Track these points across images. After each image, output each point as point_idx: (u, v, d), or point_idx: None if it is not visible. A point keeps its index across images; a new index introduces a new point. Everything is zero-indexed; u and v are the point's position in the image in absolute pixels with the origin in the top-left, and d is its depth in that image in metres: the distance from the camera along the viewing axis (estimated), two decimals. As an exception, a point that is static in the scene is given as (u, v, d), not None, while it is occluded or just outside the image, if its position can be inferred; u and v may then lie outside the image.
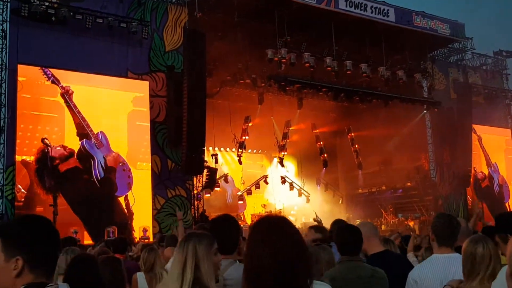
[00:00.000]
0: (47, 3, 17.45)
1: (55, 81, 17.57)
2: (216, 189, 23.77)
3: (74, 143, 17.84)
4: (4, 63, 17.05)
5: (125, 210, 18.27)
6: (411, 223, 24.64)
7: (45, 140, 16.89)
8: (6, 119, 16.74)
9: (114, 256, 5.72)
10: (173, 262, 3.04)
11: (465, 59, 29.52)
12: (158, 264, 5.90)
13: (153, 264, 5.90)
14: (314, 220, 24.04)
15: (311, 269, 2.21)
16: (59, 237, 2.33)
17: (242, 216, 25.82)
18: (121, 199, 18.40)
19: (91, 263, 3.85)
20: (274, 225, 2.27)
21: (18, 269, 2.13)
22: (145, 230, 18.19)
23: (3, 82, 16.98)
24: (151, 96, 19.46)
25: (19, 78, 16.91)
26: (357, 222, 15.45)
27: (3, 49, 17.12)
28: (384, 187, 28.78)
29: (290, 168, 29.64)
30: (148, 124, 19.28)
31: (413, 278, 3.89)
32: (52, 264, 2.23)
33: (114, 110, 18.88)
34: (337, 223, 5.64)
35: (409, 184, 27.97)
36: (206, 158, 21.00)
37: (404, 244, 7.68)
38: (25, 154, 17.00)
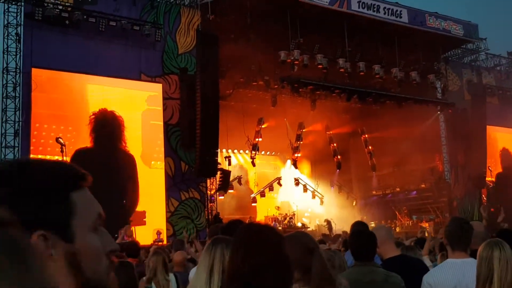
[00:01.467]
0: (60, 7, 17.58)
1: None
2: (229, 191, 23.77)
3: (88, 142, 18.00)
4: (18, 67, 17.20)
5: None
6: (425, 225, 24.49)
7: (59, 139, 16.91)
8: (20, 122, 16.89)
9: (127, 261, 5.71)
10: (199, 266, 3.04)
11: (478, 60, 29.30)
12: (159, 270, 5.80)
13: (155, 269, 5.82)
14: (325, 221, 24.03)
15: (287, 276, 2.22)
16: None
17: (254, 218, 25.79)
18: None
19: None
20: (251, 231, 2.33)
21: None
22: (159, 233, 18.21)
23: (17, 85, 17.13)
24: (164, 98, 19.52)
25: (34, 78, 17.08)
26: (371, 224, 15.39)
27: (17, 53, 17.28)
28: (398, 189, 28.66)
29: (304, 170, 29.59)
30: (162, 123, 19.34)
31: (427, 281, 3.86)
32: None
33: (128, 108, 18.95)
34: (356, 226, 5.54)
35: (423, 185, 27.81)
36: (219, 160, 21.02)
37: (418, 247, 7.64)
38: (41, 153, 17.11)
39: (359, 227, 5.13)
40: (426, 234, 12.20)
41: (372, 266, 3.79)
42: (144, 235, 17.12)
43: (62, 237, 1.03)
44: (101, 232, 1.10)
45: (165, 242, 17.03)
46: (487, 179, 26.60)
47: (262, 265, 2.18)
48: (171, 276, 5.77)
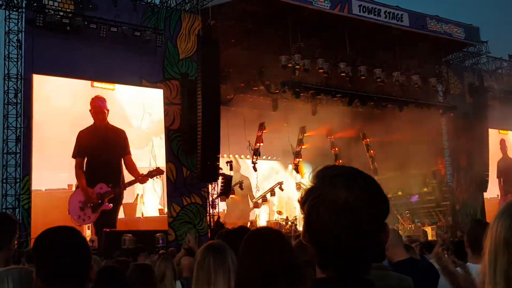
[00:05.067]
0: (61, 13, 17.57)
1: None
2: (231, 196, 23.72)
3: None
4: (19, 73, 17.19)
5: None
6: (428, 229, 24.41)
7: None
8: (22, 129, 16.86)
9: (145, 263, 5.67)
10: (196, 277, 2.98)
11: (480, 63, 29.31)
12: (168, 275, 5.73)
13: (163, 274, 5.76)
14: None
15: (297, 282, 2.19)
16: (81, 249, 2.20)
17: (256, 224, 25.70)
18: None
19: (118, 275, 3.81)
20: (263, 238, 2.33)
21: (36, 283, 2.11)
22: (161, 238, 18.11)
23: (18, 92, 17.11)
24: (165, 104, 19.50)
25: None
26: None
27: (19, 59, 17.27)
28: (400, 193, 28.54)
29: (305, 174, 29.52)
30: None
31: (441, 285, 3.80)
32: (72, 278, 2.13)
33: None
34: None
35: (425, 189, 27.73)
36: (220, 165, 20.97)
37: (425, 251, 7.60)
38: (42, 160, 17.15)
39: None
40: (430, 237, 12.14)
41: (385, 270, 3.72)
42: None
43: None
44: None
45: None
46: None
47: (276, 274, 2.15)
48: (178, 284, 5.71)
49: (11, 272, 2.07)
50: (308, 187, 1.51)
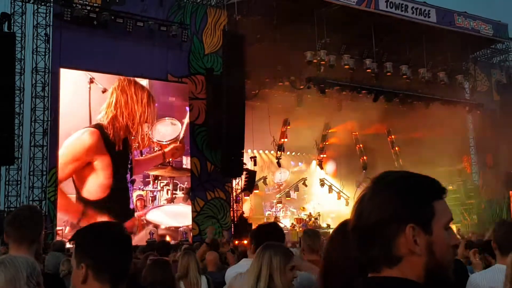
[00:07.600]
0: (89, 7, 17.73)
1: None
2: (255, 191, 23.73)
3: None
4: (47, 67, 17.39)
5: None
6: (452, 227, 24.12)
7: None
8: (49, 122, 17.07)
9: (163, 258, 5.70)
10: (249, 270, 3.03)
11: (508, 60, 28.89)
12: (192, 269, 5.72)
13: (187, 269, 5.75)
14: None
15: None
16: (129, 245, 2.31)
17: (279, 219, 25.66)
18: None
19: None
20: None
21: (82, 275, 2.18)
22: (184, 233, 18.26)
23: (46, 85, 17.31)
24: (190, 98, 19.58)
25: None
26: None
27: (46, 53, 17.48)
28: (424, 191, 28.22)
29: (329, 170, 29.42)
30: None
31: (471, 283, 3.75)
32: (120, 272, 2.22)
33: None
34: None
35: (450, 187, 27.38)
36: (245, 161, 20.99)
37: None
38: (69, 152, 17.33)
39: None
40: (458, 237, 11.92)
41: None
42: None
43: (424, 230, 1.50)
44: (449, 231, 1.55)
45: (191, 242, 17.04)
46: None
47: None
48: (203, 278, 5.71)
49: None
50: None
